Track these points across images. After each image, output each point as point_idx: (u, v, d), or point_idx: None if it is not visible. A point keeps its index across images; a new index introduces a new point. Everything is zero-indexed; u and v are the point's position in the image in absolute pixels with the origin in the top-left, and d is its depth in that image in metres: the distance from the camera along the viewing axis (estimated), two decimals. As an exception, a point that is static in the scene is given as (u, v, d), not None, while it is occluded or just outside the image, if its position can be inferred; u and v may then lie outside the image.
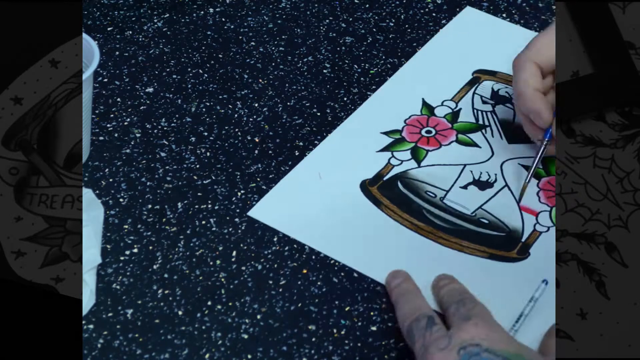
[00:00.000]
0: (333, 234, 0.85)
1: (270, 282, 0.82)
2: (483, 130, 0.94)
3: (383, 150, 0.91)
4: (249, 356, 0.77)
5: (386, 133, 0.93)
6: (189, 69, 1.00)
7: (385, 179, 0.89)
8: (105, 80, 0.99)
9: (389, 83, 0.98)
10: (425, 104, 0.96)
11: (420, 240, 0.85)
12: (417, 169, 0.90)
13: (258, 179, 0.90)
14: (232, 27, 1.05)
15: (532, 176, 0.89)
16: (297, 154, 0.92)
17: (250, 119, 0.95)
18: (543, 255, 0.85)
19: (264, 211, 0.86)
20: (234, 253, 0.84)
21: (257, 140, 0.94)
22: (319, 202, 0.87)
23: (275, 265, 0.83)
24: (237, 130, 0.94)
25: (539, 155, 0.89)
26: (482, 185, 0.89)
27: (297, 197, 0.88)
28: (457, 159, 0.91)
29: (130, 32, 1.04)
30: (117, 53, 1.01)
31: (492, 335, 0.72)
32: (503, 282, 0.83)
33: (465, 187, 0.89)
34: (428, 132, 0.93)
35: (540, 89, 0.87)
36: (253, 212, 0.86)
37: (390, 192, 0.88)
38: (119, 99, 0.97)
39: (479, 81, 0.98)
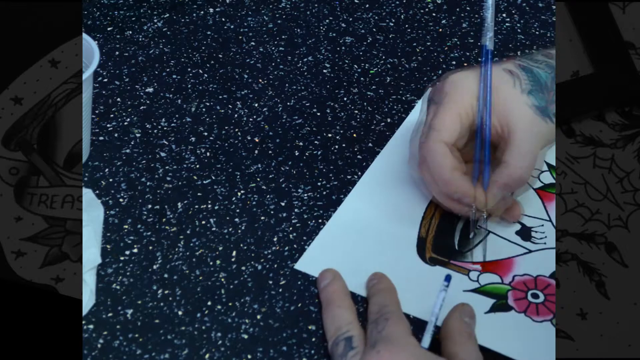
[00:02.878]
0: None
1: (270, 282, 0.82)
2: None
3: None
4: (249, 356, 0.77)
5: None
6: (189, 69, 1.00)
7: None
8: (105, 80, 0.99)
9: None
10: None
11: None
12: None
13: (258, 179, 0.90)
14: (232, 27, 1.05)
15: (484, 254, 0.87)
16: (297, 154, 0.92)
17: (250, 119, 0.95)
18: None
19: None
20: (234, 253, 0.84)
21: (257, 140, 0.94)
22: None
23: (275, 265, 0.83)
24: (237, 130, 0.94)
25: (472, 224, 0.86)
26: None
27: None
28: None
29: (130, 32, 1.04)
30: (117, 53, 1.01)
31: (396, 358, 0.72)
32: None
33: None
34: None
35: (455, 168, 0.83)
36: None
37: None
38: (119, 99, 0.97)
39: None
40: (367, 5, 1.08)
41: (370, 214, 0.87)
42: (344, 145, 0.93)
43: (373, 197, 0.89)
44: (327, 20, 1.06)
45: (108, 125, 0.94)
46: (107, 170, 0.90)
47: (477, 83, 0.84)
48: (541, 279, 0.82)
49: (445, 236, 0.85)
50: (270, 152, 0.92)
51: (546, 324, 0.79)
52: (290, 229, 0.86)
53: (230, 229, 0.86)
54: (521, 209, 0.86)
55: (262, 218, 0.87)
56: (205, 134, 0.94)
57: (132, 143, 0.93)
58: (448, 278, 0.79)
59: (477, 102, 0.83)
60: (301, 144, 0.93)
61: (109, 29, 1.04)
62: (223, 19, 1.06)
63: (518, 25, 1.07)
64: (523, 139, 0.82)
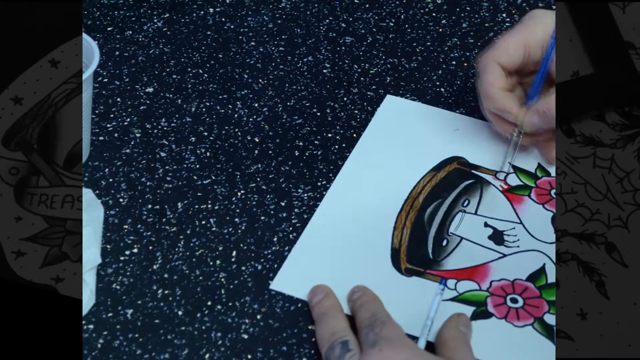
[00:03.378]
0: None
1: (270, 282, 0.82)
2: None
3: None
4: (249, 356, 0.77)
5: None
6: (189, 69, 1.00)
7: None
8: (105, 80, 0.99)
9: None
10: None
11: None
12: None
13: (258, 179, 0.90)
14: (232, 27, 1.05)
15: (510, 164, 0.89)
16: (297, 154, 0.92)
17: (250, 119, 0.95)
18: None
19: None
20: (234, 253, 0.84)
21: (257, 140, 0.94)
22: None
23: (275, 265, 0.83)
24: (237, 130, 0.94)
25: (512, 147, 0.89)
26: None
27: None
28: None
29: (130, 32, 1.04)
30: (117, 53, 1.02)
31: (398, 357, 0.72)
32: None
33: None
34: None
35: (505, 87, 0.88)
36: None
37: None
38: (119, 99, 0.97)
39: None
40: (367, 5, 1.08)
41: (342, 228, 0.86)
42: (344, 145, 0.93)
43: (344, 208, 0.88)
44: (327, 20, 1.06)
45: (108, 125, 0.94)
46: (107, 170, 0.90)
47: (554, 22, 0.87)
48: (518, 282, 0.82)
49: (418, 245, 0.85)
50: (270, 152, 0.92)
51: (527, 329, 0.79)
52: (290, 229, 0.86)
53: (230, 229, 0.86)
54: (554, 154, 0.89)
55: (262, 218, 0.87)
56: (205, 134, 0.94)
57: (132, 143, 0.93)
58: (443, 282, 0.80)
59: (550, 40, 0.87)
60: (301, 144, 0.93)
61: (109, 29, 1.04)
62: (223, 19, 1.06)
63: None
64: None
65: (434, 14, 1.07)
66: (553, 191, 0.89)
